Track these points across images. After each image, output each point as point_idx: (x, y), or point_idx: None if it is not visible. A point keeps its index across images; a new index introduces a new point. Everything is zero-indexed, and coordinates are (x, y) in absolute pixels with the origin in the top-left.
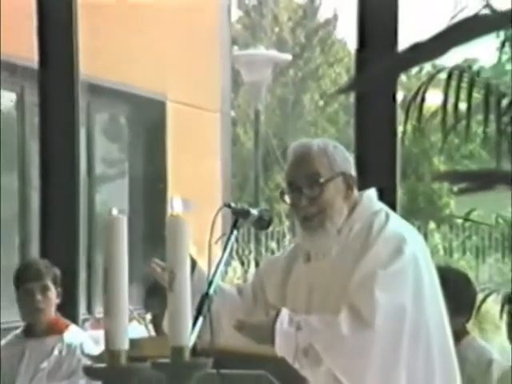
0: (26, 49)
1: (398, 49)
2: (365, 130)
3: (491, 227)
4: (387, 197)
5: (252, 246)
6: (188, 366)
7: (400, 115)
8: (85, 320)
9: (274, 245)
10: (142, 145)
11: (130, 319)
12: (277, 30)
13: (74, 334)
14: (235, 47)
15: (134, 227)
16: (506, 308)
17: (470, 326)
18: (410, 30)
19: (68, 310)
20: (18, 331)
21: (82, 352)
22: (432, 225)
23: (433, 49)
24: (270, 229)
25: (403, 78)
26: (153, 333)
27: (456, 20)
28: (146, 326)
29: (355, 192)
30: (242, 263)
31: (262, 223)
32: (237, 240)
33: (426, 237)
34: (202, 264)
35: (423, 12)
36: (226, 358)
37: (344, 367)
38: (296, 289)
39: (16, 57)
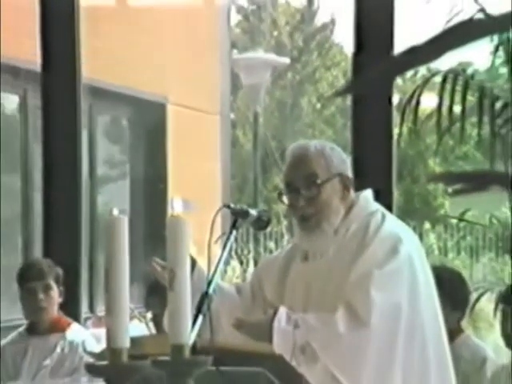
0: (28, 52)
1: (393, 53)
2: (361, 132)
3: (485, 227)
4: (383, 198)
5: (251, 245)
6: (188, 363)
7: (396, 118)
8: (87, 318)
9: (272, 245)
10: (143, 146)
11: (131, 318)
12: (275, 34)
13: (76, 332)
14: (234, 51)
15: (135, 227)
16: (500, 306)
17: (464, 324)
18: (406, 34)
19: (70, 308)
20: (21, 329)
21: (84, 350)
22: (427, 225)
23: (428, 52)
24: (269, 229)
25: (399, 81)
26: (153, 331)
27: (451, 24)
28: (147, 325)
29: (352, 193)
30: (241, 263)
31: (261, 223)
32: (236, 240)
33: (421, 237)
34: (202, 263)
35: (419, 16)
36: (225, 355)
37: (340, 365)
38: (293, 287)
39: (19, 60)
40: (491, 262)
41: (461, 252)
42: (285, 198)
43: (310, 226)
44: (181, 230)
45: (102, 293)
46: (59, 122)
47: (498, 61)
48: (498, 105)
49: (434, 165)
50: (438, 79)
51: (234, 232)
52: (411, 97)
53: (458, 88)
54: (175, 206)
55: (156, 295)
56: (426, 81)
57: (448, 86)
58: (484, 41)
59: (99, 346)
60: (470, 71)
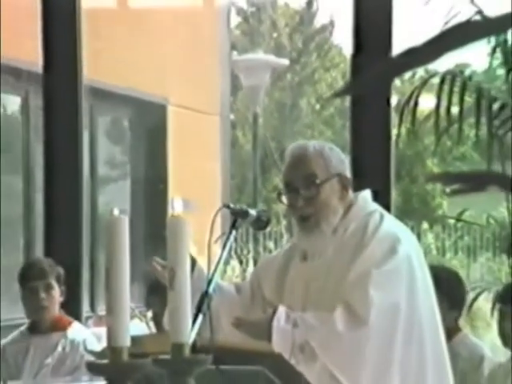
0: (30, 54)
1: (392, 54)
2: (360, 133)
3: (482, 227)
4: (382, 198)
5: (250, 245)
6: (188, 362)
7: (394, 118)
8: (88, 317)
9: (271, 245)
10: (143, 147)
11: (132, 317)
12: (275, 35)
13: (77, 331)
14: (234, 52)
15: (136, 227)
16: (497, 306)
17: (461, 323)
18: (404, 36)
19: (71, 307)
20: (22, 328)
21: (85, 348)
22: (425, 225)
23: (426, 54)
24: (268, 229)
25: (397, 82)
26: (154, 330)
27: (449, 26)
28: (147, 324)
29: (350, 193)
30: (241, 262)
31: (260, 223)
32: (236, 240)
33: (419, 237)
34: (202, 263)
35: (417, 18)
36: (225, 354)
37: (339, 363)
38: (293, 287)
39: (21, 61)
40: (488, 262)
41: (458, 252)
42: (284, 198)
43: (308, 226)
44: (181, 230)
45: (103, 292)
46: (61, 123)
47: (496, 62)
48: (496, 106)
49: (432, 165)
50: (435, 80)
51: (234, 232)
52: (409, 98)
53: (456, 89)
54: (175, 205)
55: (156, 294)
56: (424, 82)
57: (446, 88)
58: (481, 42)
59: (100, 345)
60: (467, 73)
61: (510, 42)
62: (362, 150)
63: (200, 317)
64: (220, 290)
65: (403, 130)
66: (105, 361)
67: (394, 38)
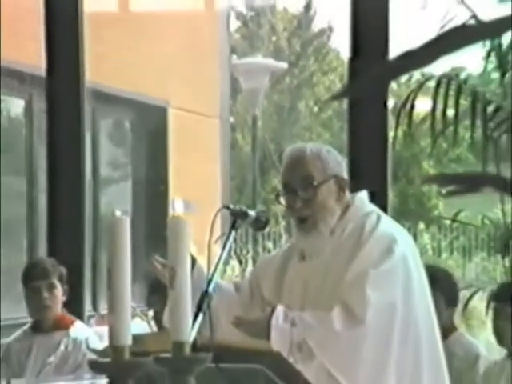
0: (33, 57)
1: (389, 58)
2: (357, 135)
3: (477, 228)
4: (379, 199)
5: (250, 245)
6: (189, 360)
7: (391, 121)
8: (90, 316)
9: (270, 245)
10: (144, 149)
11: (133, 316)
12: (274, 39)
13: (79, 330)
14: (234, 56)
15: (137, 228)
16: (492, 305)
17: (457, 322)
18: (401, 40)
19: (74, 306)
20: (25, 327)
21: (87, 347)
22: (421, 226)
23: (422, 57)
24: (267, 229)
25: (394, 85)
26: (155, 329)
27: (445, 30)
28: (149, 323)
29: (347, 194)
30: (240, 262)
31: (259, 224)
32: (235, 240)
33: (415, 237)
34: (202, 263)
35: (413, 22)
36: (225, 352)
37: (336, 362)
38: (291, 286)
39: (24, 65)
40: (483, 262)
41: (454, 252)
42: (282, 200)
43: (306, 227)
44: (181, 230)
45: (105, 291)
46: (63, 125)
47: (490, 66)
48: (490, 109)
49: (428, 167)
50: (431, 84)
51: (234, 232)
52: (406, 101)
53: (452, 92)
54: (176, 206)
55: (157, 294)
56: (420, 85)
57: (441, 91)
58: (476, 46)
59: (102, 344)
60: (462, 76)
61: (504, 46)
62: (360, 151)
63: (200, 316)
64: (219, 288)
65: (400, 133)
66: (107, 359)
67: (391, 41)
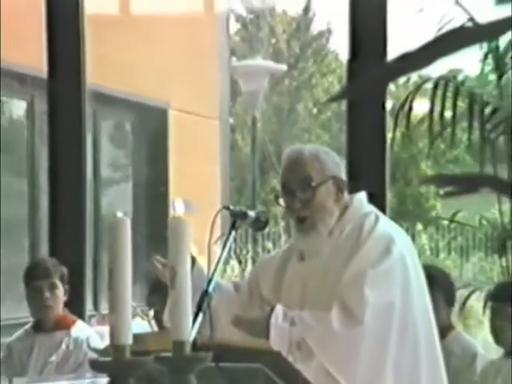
0: (35, 59)
1: (387, 60)
2: (356, 136)
3: (475, 228)
4: (377, 200)
5: (249, 246)
6: (189, 359)
7: (389, 122)
8: (91, 316)
9: (270, 245)
10: (145, 150)
11: (134, 315)
12: (273, 41)
13: (80, 329)
14: (233, 58)
15: (138, 228)
16: (489, 304)
17: (454, 321)
18: (399, 42)
19: (75, 306)
20: (27, 327)
21: (89, 346)
22: (419, 226)
23: (420, 59)
24: (267, 230)
25: (392, 87)
26: (155, 328)
27: (442, 32)
28: (149, 322)
29: (346, 195)
30: (240, 262)
31: (259, 224)
32: (235, 240)
33: (413, 237)
34: (202, 263)
35: (411, 25)
36: (225, 352)
37: (335, 361)
38: (290, 286)
39: (26, 67)
40: (481, 262)
41: (451, 252)
42: (281, 201)
43: (305, 228)
44: (182, 231)
45: (106, 291)
46: (65, 127)
47: (487, 68)
48: (488, 110)
49: (426, 168)
50: (429, 85)
51: (233, 232)
52: (404, 102)
53: (449, 94)
54: (177, 207)
55: (158, 293)
56: (418, 87)
57: (439, 92)
58: (474, 48)
59: (103, 343)
60: (460, 78)
61: (501, 49)
62: (358, 153)
63: (200, 315)
64: (219, 288)
65: (398, 134)
66: (108, 358)
67: (389, 44)
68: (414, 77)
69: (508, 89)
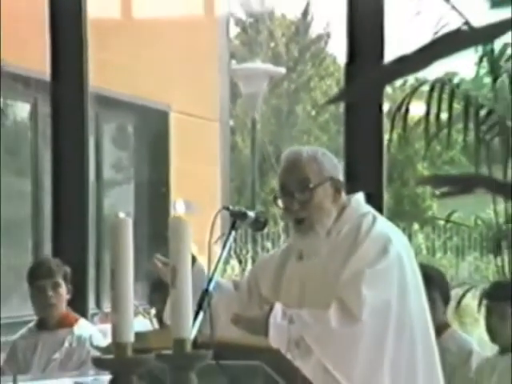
0: (39, 63)
1: (384, 63)
2: (354, 138)
3: (470, 228)
4: (374, 200)
5: (249, 245)
6: (189, 357)
7: (386, 124)
8: (94, 314)
9: (269, 245)
10: (146, 152)
11: (136, 314)
12: (272, 45)
13: (83, 328)
14: (233, 61)
15: (139, 228)
16: (484, 302)
17: (450, 319)
18: (396, 46)
19: (78, 305)
20: (31, 325)
21: (91, 344)
22: (416, 226)
23: (417, 62)
24: (266, 230)
25: (389, 90)
26: (157, 326)
27: (438, 36)
28: (151, 320)
29: (343, 196)
30: (240, 262)
31: (258, 225)
32: (235, 240)
33: (410, 237)
34: (203, 262)
35: (408, 28)
36: (225, 349)
37: (333, 359)
38: (289, 284)
39: (30, 70)
40: (476, 261)
41: (447, 251)
42: (280, 202)
43: (303, 228)
44: (183, 231)
45: (108, 290)
46: (68, 129)
47: (483, 71)
48: (483, 112)
49: (423, 169)
50: (425, 88)
51: (233, 233)
52: (400, 105)
53: (445, 96)
54: (177, 207)
55: (159, 292)
56: (415, 90)
57: (435, 95)
58: (469, 52)
59: (105, 341)
60: (456, 81)
61: (496, 52)
62: (356, 154)
63: (201, 314)
64: (219, 287)
65: (395, 136)
66: (110, 356)
67: (386, 47)
68: (411, 79)
69: (503, 91)
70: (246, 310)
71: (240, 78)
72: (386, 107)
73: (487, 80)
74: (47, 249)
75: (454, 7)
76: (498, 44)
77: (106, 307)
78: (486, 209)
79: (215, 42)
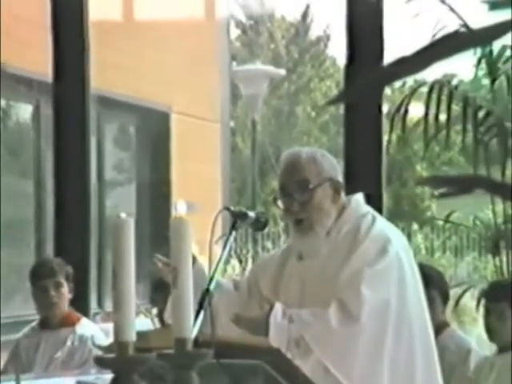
0: (41, 65)
1: (383, 64)
2: (353, 138)
3: (469, 228)
4: (374, 200)
5: (249, 245)
6: (190, 356)
7: (385, 125)
8: (95, 314)
9: (269, 245)
10: (148, 153)
11: (137, 313)
12: (272, 47)
13: (85, 327)
14: (234, 63)
15: (141, 229)
16: (483, 302)
17: (449, 318)
18: (395, 47)
19: (80, 304)
20: (33, 324)
21: (93, 343)
22: (415, 226)
23: (416, 63)
24: (266, 230)
25: (388, 91)
26: (158, 326)
27: (437, 38)
28: (152, 320)
29: (343, 196)
30: (240, 261)
31: (259, 225)
32: (235, 240)
33: (409, 237)
34: (204, 262)
35: (406, 31)
36: (226, 348)
37: (332, 357)
38: (289, 284)
39: (32, 72)
40: (474, 261)
41: (446, 251)
42: (279, 203)
43: (303, 229)
44: (184, 231)
45: (110, 290)
46: (70, 130)
47: (481, 73)
48: (481, 114)
49: (421, 169)
50: (424, 89)
51: (234, 233)
52: (400, 106)
53: (444, 98)
54: (179, 208)
55: (160, 292)
56: (414, 91)
57: (434, 96)
58: (468, 54)
59: (107, 340)
60: (454, 82)
61: (494, 54)
62: (355, 155)
63: (201, 313)
64: (219, 286)
65: (394, 137)
66: (112, 355)
67: (385, 49)
68: (410, 81)
69: (501, 93)
70: (246, 309)
71: (240, 79)
72: (385, 108)
73: (485, 81)
74: (49, 249)
75: (452, 9)
76: (496, 46)
77: (108, 307)
78: (484, 209)
79: (216, 44)
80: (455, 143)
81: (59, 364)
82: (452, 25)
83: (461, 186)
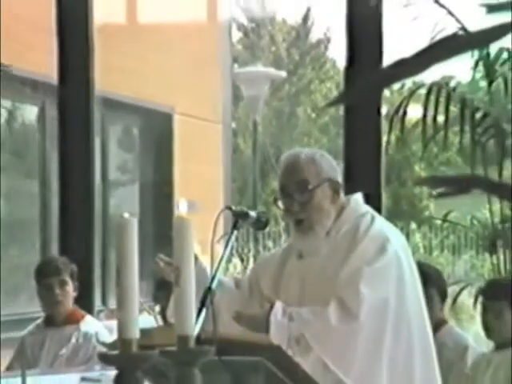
0: (46, 67)
1: (382, 67)
2: (353, 139)
3: (466, 227)
4: (373, 200)
5: (251, 244)
6: (193, 353)
7: (384, 126)
8: (100, 311)
9: (270, 244)
10: (151, 153)
11: (141, 311)
12: (273, 49)
13: (89, 324)
14: (236, 65)
15: (144, 228)
16: (480, 300)
17: (447, 315)
18: (394, 50)
19: (84, 302)
20: (39, 321)
21: (97, 340)
22: (413, 225)
23: (414, 65)
24: (267, 229)
25: (387, 93)
26: (161, 323)
27: (435, 40)
28: (155, 317)
29: (342, 196)
30: (242, 260)
31: (260, 224)
32: (237, 239)
33: (407, 236)
34: (206, 261)
35: (405, 34)
36: (227, 346)
37: (332, 355)
38: (289, 283)
39: (38, 74)
40: (472, 259)
41: (444, 250)
42: (280, 203)
43: (303, 229)
44: (186, 230)
45: (114, 288)
46: (74, 131)
47: (478, 75)
48: (478, 115)
49: (420, 170)
50: (423, 91)
51: (235, 232)
52: (398, 107)
53: (442, 99)
54: (181, 207)
55: (163, 290)
56: (412, 93)
57: (432, 98)
58: (465, 56)
59: (111, 337)
60: (452, 84)
61: (491, 56)
62: (355, 155)
63: (203, 311)
64: (221, 285)
65: (393, 137)
66: (116, 352)
67: (385, 51)
68: (408, 83)
69: (498, 95)
70: (247, 307)
71: (242, 81)
72: (384, 110)
73: (483, 83)
74: (54, 248)
75: (450, 13)
76: (493, 48)
77: (112, 304)
78: (481, 209)
79: (218, 47)
80: (453, 144)
81: (64, 361)
82: (450, 28)
83: (458, 185)
